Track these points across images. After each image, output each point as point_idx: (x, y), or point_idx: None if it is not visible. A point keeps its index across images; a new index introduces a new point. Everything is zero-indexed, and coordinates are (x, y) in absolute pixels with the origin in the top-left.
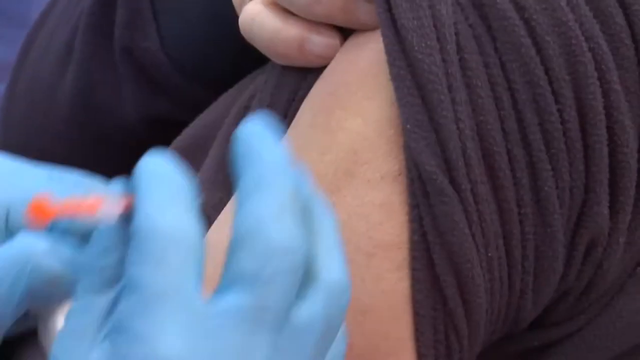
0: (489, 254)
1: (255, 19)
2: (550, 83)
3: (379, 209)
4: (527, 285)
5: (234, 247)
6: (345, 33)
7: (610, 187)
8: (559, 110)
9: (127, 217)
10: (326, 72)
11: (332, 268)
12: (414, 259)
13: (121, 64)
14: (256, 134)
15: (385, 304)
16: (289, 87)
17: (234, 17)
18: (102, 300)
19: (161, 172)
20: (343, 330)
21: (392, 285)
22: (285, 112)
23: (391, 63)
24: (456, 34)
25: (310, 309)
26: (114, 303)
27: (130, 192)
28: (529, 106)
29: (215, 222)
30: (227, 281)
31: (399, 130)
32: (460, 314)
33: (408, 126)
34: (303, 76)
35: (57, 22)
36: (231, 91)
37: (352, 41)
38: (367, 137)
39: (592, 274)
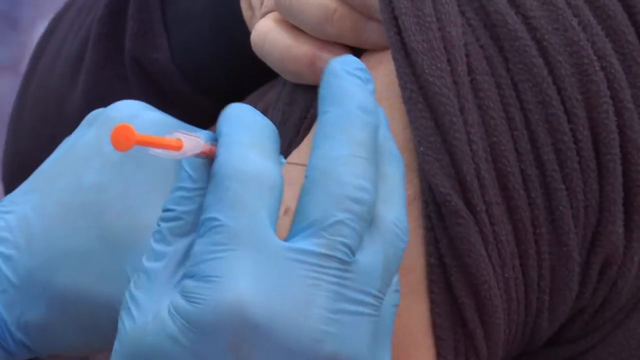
0: (506, 275)
1: (267, 36)
2: (563, 103)
3: None
4: (543, 304)
5: (306, 190)
6: (356, 52)
7: (625, 205)
8: (571, 129)
9: (210, 162)
10: None
11: (393, 213)
12: (431, 282)
13: (131, 75)
14: (346, 73)
15: (403, 328)
16: (300, 104)
17: (244, 29)
18: (181, 245)
19: (245, 117)
20: (396, 282)
21: (410, 308)
22: (298, 129)
23: (402, 86)
24: (467, 55)
25: (371, 253)
26: (191, 246)
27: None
28: (542, 126)
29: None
30: (299, 224)
31: (413, 154)
32: (480, 336)
33: (421, 149)
34: (315, 94)
35: (67, 31)
36: None
37: (363, 62)
38: None
39: (607, 292)
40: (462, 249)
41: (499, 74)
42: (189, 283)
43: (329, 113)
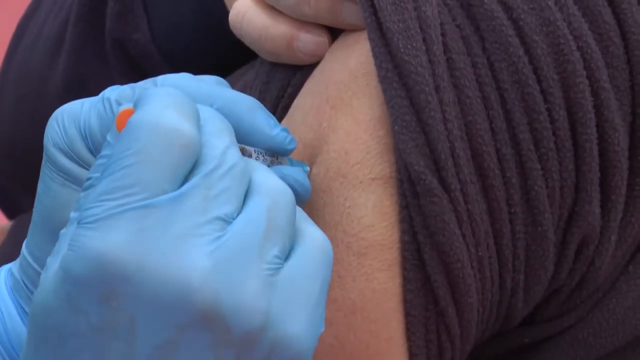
0: (480, 254)
1: (244, 16)
2: (539, 82)
3: (371, 210)
4: (518, 283)
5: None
6: (334, 32)
7: (602, 185)
8: (547, 109)
9: None
10: (316, 72)
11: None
12: (404, 259)
13: (112, 56)
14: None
15: (375, 303)
16: (277, 83)
17: (224, 10)
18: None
19: (168, 91)
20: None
21: (383, 284)
22: (274, 108)
23: (378, 65)
24: (443, 34)
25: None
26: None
27: None
28: (518, 105)
29: None
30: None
31: (389, 131)
32: (452, 314)
33: (396, 127)
34: (292, 73)
35: (47, 12)
36: None
37: (341, 41)
38: (358, 137)
39: (583, 272)
40: (436, 227)
41: (475, 54)
42: (73, 230)
43: None
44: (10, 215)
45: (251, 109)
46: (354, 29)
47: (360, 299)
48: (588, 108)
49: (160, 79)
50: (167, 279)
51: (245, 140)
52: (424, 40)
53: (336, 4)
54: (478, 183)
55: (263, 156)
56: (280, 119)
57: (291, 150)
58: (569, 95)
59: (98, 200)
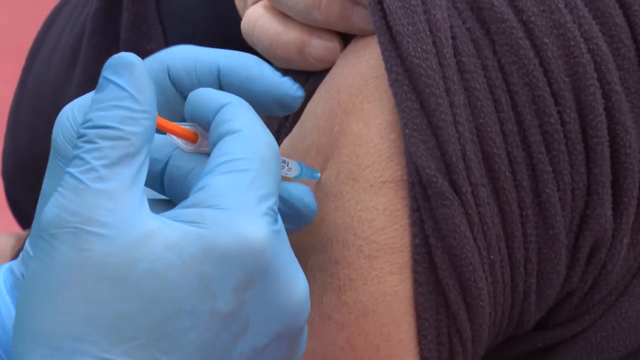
0: (491, 257)
1: (256, 23)
2: (550, 85)
3: (382, 214)
4: (530, 287)
5: None
6: (345, 38)
7: (613, 188)
8: (558, 112)
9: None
10: (328, 77)
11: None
12: (415, 262)
13: None
14: None
15: (386, 306)
16: None
17: (237, 19)
18: (132, 169)
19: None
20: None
21: (394, 287)
22: (287, 114)
23: (388, 69)
24: (453, 37)
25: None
26: (140, 170)
27: None
28: (529, 108)
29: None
30: None
31: (400, 135)
32: (463, 317)
33: (407, 131)
34: (304, 79)
35: (64, 25)
36: None
37: (352, 46)
38: (369, 140)
39: (596, 275)
40: (447, 230)
41: (485, 56)
42: (207, 212)
43: None
44: (25, 225)
45: (258, 62)
46: (364, 34)
47: (371, 302)
48: (599, 110)
49: (165, 52)
50: (295, 286)
51: (255, 88)
52: (434, 43)
53: (347, 9)
54: (489, 186)
55: None
56: (293, 124)
57: (299, 99)
58: (579, 98)
59: (234, 190)
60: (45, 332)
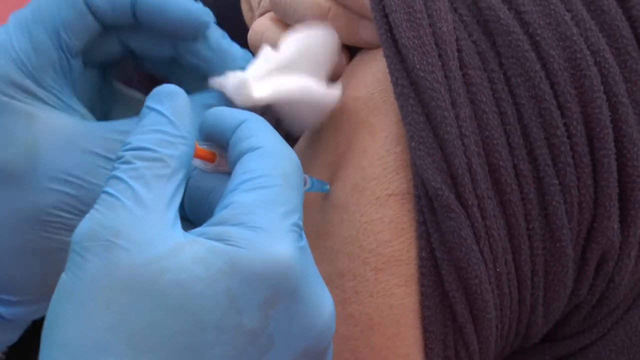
0: (498, 269)
1: (263, 35)
2: (556, 97)
3: (388, 226)
4: (537, 300)
5: None
6: (352, 51)
7: (620, 201)
8: (565, 124)
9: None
10: None
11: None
12: (422, 275)
13: (135, 80)
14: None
15: (392, 319)
16: None
17: (244, 30)
18: (168, 189)
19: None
20: None
21: (400, 300)
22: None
23: (394, 82)
24: (459, 50)
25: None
26: (177, 192)
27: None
28: (535, 121)
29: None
30: None
31: (406, 148)
32: (470, 330)
33: (413, 144)
34: None
35: None
36: None
37: (358, 59)
38: (374, 153)
39: (603, 288)
40: (453, 243)
41: (491, 69)
42: (234, 230)
43: None
44: None
45: None
46: (370, 47)
47: (377, 314)
48: (606, 123)
49: None
50: (320, 308)
51: (170, 13)
52: (440, 56)
53: (353, 22)
54: (495, 199)
55: None
56: (299, 137)
57: (206, 23)
58: (586, 110)
59: (259, 207)
60: (70, 342)
